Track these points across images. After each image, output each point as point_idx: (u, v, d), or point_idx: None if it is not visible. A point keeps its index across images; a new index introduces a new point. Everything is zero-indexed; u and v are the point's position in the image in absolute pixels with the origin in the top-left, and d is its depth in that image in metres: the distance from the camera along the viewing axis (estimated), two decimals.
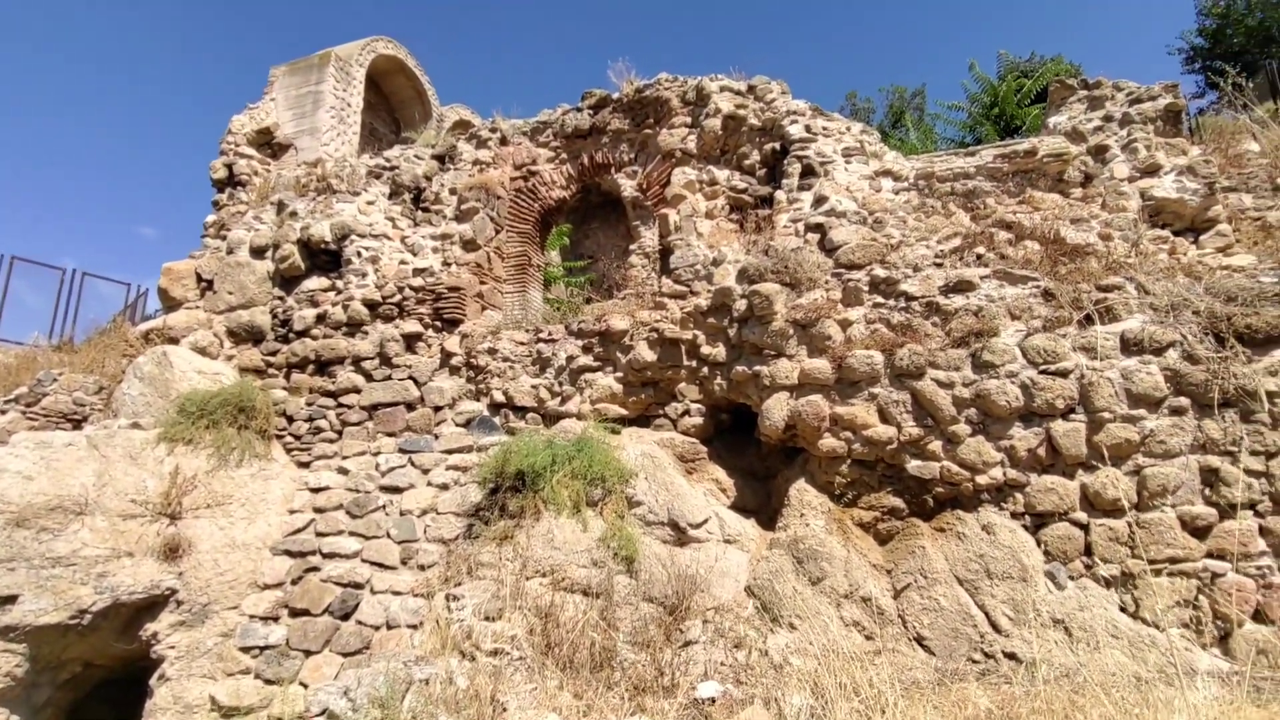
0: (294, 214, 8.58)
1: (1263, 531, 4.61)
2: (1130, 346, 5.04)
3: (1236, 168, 6.75)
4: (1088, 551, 4.90)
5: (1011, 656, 4.72)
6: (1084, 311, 5.22)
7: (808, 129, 6.96)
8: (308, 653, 6.28)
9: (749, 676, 4.70)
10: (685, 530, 5.74)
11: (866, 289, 5.88)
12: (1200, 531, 4.70)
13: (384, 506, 7.05)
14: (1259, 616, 4.53)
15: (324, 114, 10.36)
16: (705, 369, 6.51)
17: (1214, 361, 4.81)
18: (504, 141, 8.49)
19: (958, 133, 15.80)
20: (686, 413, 6.61)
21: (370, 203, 8.54)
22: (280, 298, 8.42)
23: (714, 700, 4.29)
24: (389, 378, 7.73)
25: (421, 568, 6.56)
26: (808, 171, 6.73)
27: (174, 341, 8.29)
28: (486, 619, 4.98)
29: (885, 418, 5.49)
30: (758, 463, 6.64)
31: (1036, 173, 6.69)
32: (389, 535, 6.84)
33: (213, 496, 6.83)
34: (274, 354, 8.25)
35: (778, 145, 7.14)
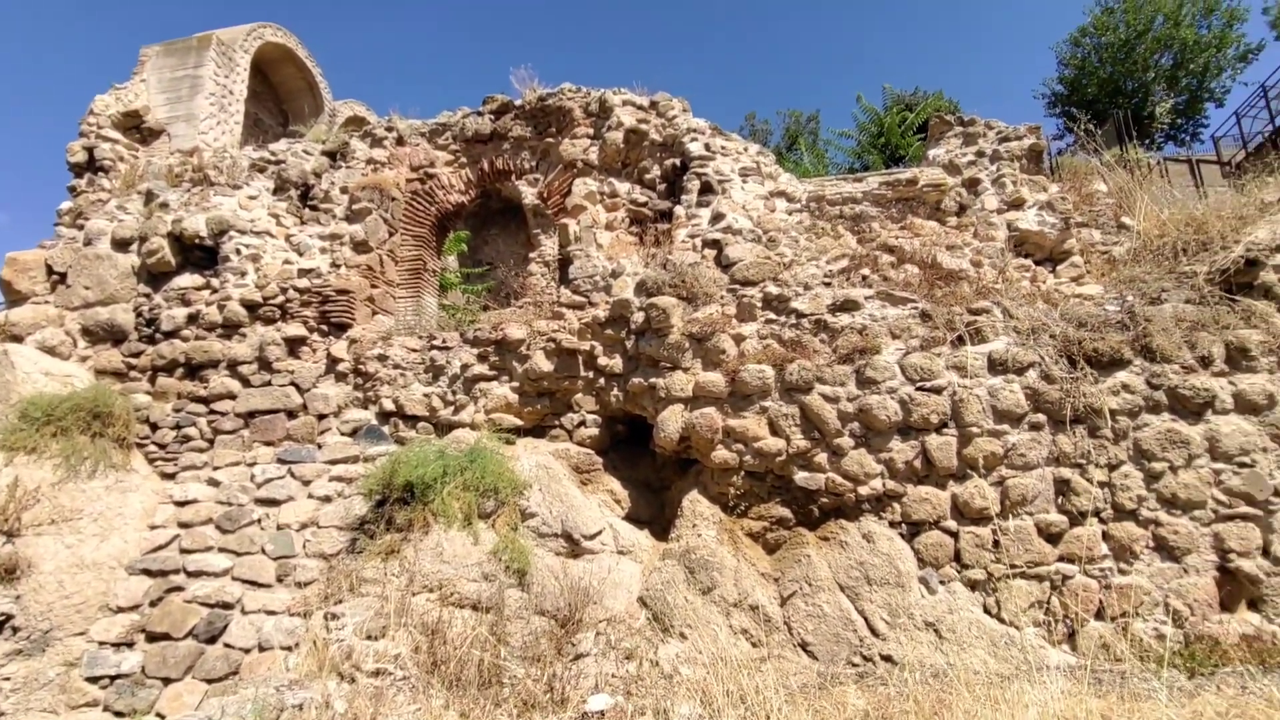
0: (165, 205, 7.97)
1: (1106, 536, 5.06)
2: (996, 366, 5.43)
3: (1088, 205, 7.43)
4: (957, 557, 5.22)
5: (888, 659, 4.95)
6: (956, 332, 5.58)
7: (707, 147, 7.13)
8: (167, 680, 5.81)
9: (639, 687, 4.70)
10: (579, 542, 5.71)
11: (760, 305, 6.07)
12: (1054, 537, 5.11)
13: (259, 520, 6.63)
14: (1101, 614, 4.96)
15: (202, 100, 9.69)
16: (602, 380, 6.51)
17: (1067, 381, 5.26)
18: (400, 141, 8.23)
19: (847, 159, 16.67)
20: (583, 423, 6.59)
21: (252, 197, 8.06)
22: (146, 295, 7.79)
23: (604, 713, 4.26)
24: (269, 383, 7.28)
25: (300, 585, 6.21)
26: (706, 189, 6.89)
27: (17, 339, 7.49)
28: (369, 638, 4.76)
29: (775, 430, 5.66)
30: (652, 474, 6.70)
31: (917, 200, 7.12)
32: (264, 551, 6.44)
33: (59, 511, 6.20)
34: (137, 356, 7.60)
35: (678, 161, 7.27)
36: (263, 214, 7.97)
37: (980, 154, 7.33)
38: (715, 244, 6.48)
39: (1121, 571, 5.00)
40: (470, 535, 5.52)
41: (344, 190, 7.99)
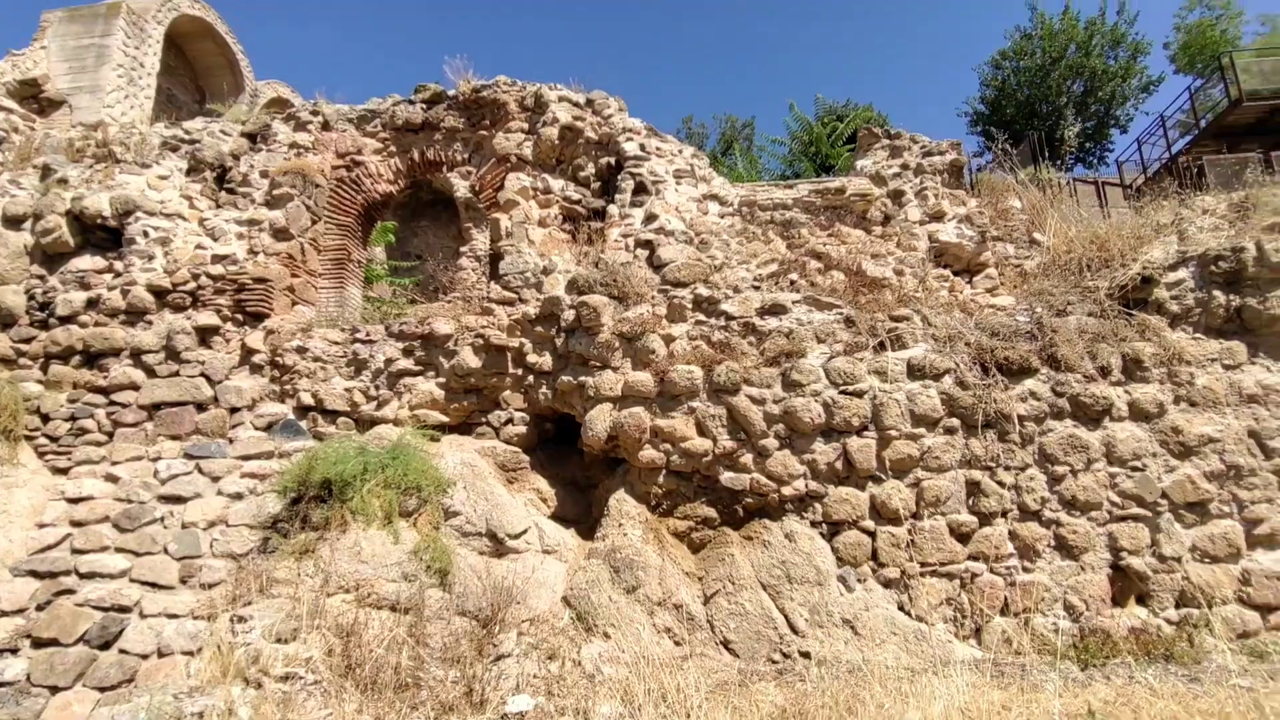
0: (64, 181, 7.45)
1: (1012, 536, 5.31)
2: (915, 372, 5.63)
3: (1004, 220, 7.79)
4: (874, 556, 5.38)
5: (806, 655, 5.06)
6: (879, 338, 5.76)
7: (642, 148, 7.14)
8: (55, 689, 5.43)
9: (561, 688, 4.67)
10: (504, 541, 5.62)
11: (690, 306, 6.11)
12: (964, 537, 5.33)
13: (162, 519, 6.28)
14: (1006, 610, 5.20)
15: (109, 71, 9.11)
16: (531, 377, 6.44)
17: (979, 388, 5.50)
18: (326, 126, 7.93)
19: (780, 166, 16.99)
20: (510, 421, 6.50)
21: (163, 177, 7.62)
22: (40, 277, 7.26)
23: (524, 714, 4.21)
24: (176, 374, 6.89)
25: (205, 586, 5.91)
26: (640, 189, 6.90)
27: None
28: (279, 641, 4.55)
29: (703, 431, 5.71)
30: (580, 473, 6.66)
31: (845, 209, 7.32)
32: (167, 551, 6.11)
33: None
34: (28, 341, 7.07)
35: (613, 160, 7.26)
36: (174, 195, 7.55)
37: (905, 167, 7.59)
38: (648, 244, 6.50)
39: (1025, 569, 5.25)
40: (390, 534, 5.37)
41: (264, 174, 7.64)
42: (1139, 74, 22.83)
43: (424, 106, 7.86)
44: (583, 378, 6.09)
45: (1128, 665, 4.67)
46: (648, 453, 5.76)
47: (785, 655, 5.12)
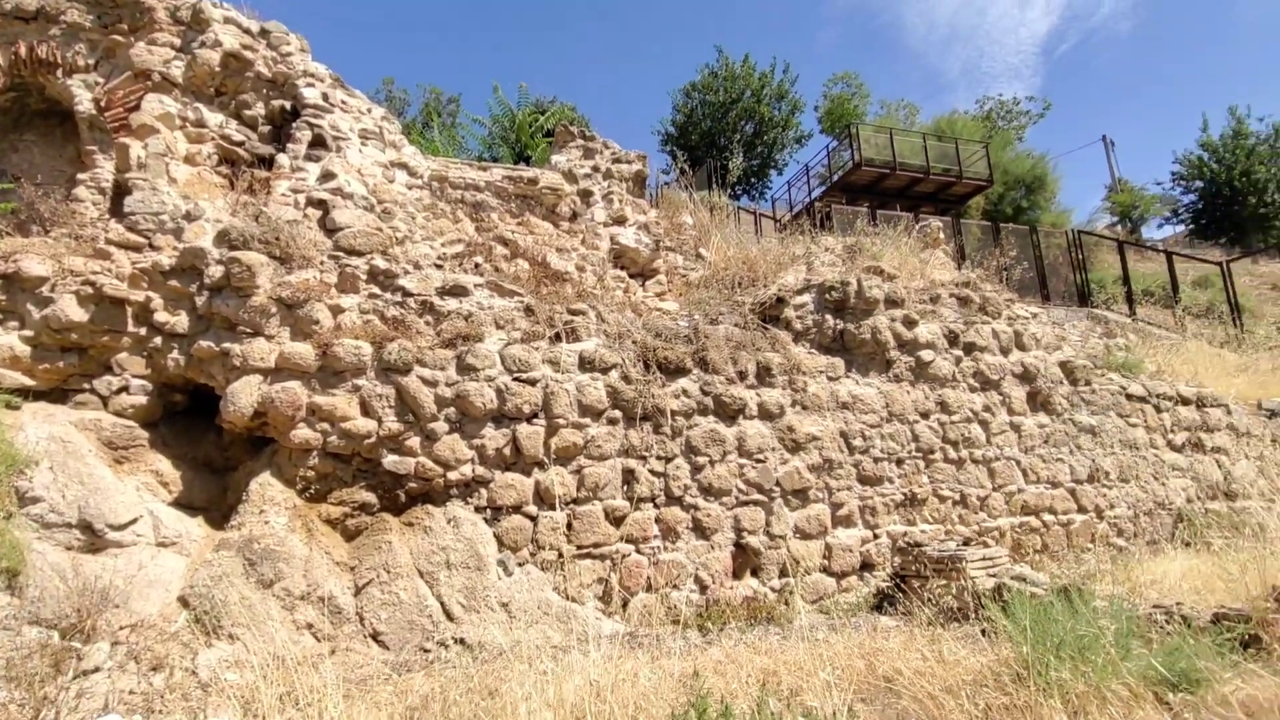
0: None
1: (658, 520, 5.83)
2: (586, 364, 5.90)
3: (677, 233, 8.57)
4: (534, 540, 5.52)
5: (461, 641, 5.01)
6: (555, 330, 5.93)
7: (325, 97, 6.47)
8: None
9: (166, 702, 4.03)
10: (103, 533, 4.67)
11: (365, 278, 5.68)
12: (618, 521, 5.72)
13: None
14: (650, 587, 5.70)
15: None
16: (159, 339, 5.42)
17: (641, 383, 5.95)
18: None
19: (478, 147, 16.72)
20: (125, 389, 5.40)
21: None
22: None
23: None
24: None
25: None
26: (318, 142, 6.24)
27: None
28: None
29: (367, 411, 5.35)
30: (216, 453, 5.80)
31: (536, 200, 7.42)
32: None
33: None
34: None
35: (289, 105, 6.47)
36: None
37: (595, 169, 7.94)
38: (322, 204, 5.90)
39: (667, 549, 5.81)
40: None
41: None
42: (795, 127, 27.03)
43: None
44: (228, 344, 5.30)
45: (740, 629, 5.41)
46: (302, 432, 5.22)
47: (440, 643, 5.01)
